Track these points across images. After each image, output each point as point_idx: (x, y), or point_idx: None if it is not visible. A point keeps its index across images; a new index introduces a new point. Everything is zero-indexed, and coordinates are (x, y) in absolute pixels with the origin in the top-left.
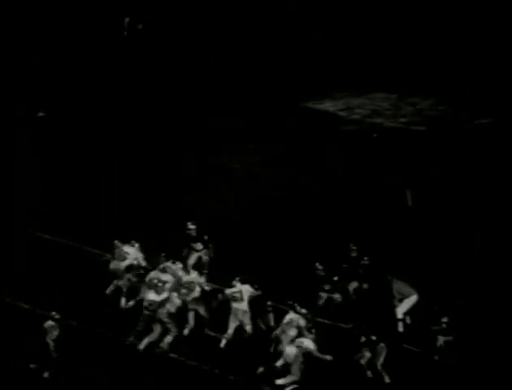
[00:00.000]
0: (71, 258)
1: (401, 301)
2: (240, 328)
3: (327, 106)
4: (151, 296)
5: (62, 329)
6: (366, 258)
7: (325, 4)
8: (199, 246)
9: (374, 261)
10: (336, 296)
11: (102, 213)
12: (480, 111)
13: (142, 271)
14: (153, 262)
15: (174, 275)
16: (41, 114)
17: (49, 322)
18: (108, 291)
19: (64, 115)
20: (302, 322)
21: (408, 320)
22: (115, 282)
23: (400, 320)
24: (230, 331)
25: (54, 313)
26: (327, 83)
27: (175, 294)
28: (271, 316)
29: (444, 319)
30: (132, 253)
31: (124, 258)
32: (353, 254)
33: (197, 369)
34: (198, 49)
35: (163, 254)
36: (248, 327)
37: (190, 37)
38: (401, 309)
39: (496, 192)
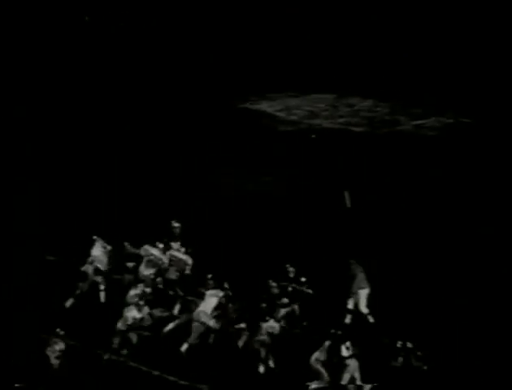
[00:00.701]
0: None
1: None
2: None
3: (265, 106)
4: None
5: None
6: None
7: (260, 5)
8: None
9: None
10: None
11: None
12: (418, 112)
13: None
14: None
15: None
16: None
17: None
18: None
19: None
20: (276, 329)
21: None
22: (81, 285)
23: (364, 314)
24: (194, 335)
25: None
26: (264, 84)
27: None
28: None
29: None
30: (99, 256)
31: (92, 262)
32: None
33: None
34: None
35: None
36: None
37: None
38: (362, 302)
39: (436, 191)
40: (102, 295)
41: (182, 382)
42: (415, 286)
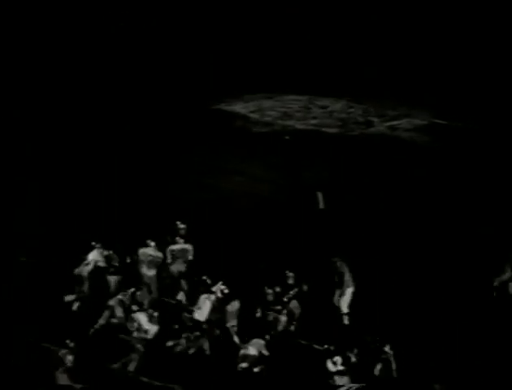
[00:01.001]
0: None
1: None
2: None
3: (239, 108)
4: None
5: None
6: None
7: (232, 5)
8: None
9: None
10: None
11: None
12: (391, 114)
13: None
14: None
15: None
16: None
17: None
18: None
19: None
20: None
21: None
22: (77, 288)
23: (345, 314)
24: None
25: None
26: (238, 85)
27: None
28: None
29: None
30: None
31: (88, 264)
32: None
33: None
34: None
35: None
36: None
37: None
38: (344, 301)
39: (410, 192)
40: (79, 301)
41: (156, 383)
42: (400, 285)
